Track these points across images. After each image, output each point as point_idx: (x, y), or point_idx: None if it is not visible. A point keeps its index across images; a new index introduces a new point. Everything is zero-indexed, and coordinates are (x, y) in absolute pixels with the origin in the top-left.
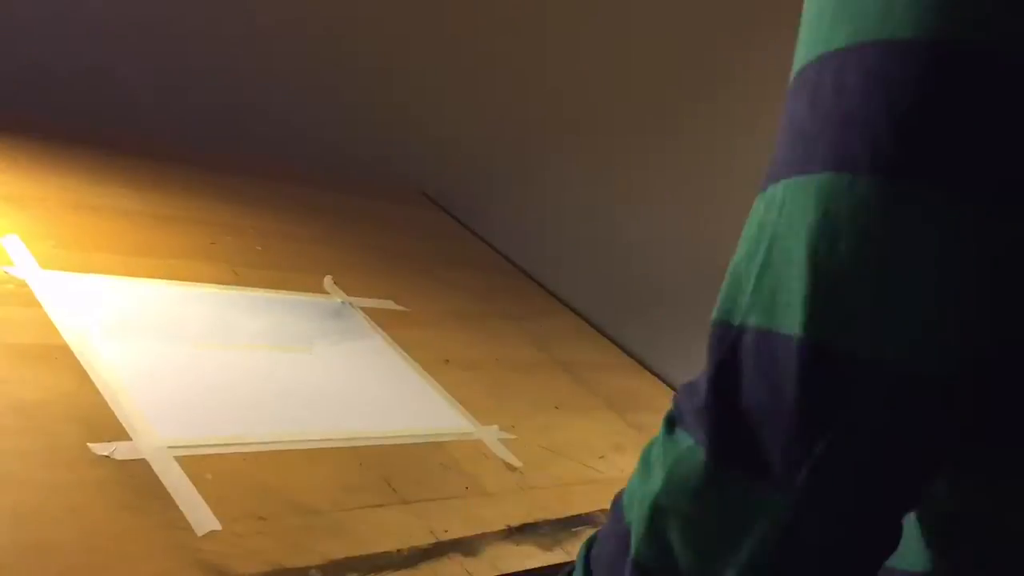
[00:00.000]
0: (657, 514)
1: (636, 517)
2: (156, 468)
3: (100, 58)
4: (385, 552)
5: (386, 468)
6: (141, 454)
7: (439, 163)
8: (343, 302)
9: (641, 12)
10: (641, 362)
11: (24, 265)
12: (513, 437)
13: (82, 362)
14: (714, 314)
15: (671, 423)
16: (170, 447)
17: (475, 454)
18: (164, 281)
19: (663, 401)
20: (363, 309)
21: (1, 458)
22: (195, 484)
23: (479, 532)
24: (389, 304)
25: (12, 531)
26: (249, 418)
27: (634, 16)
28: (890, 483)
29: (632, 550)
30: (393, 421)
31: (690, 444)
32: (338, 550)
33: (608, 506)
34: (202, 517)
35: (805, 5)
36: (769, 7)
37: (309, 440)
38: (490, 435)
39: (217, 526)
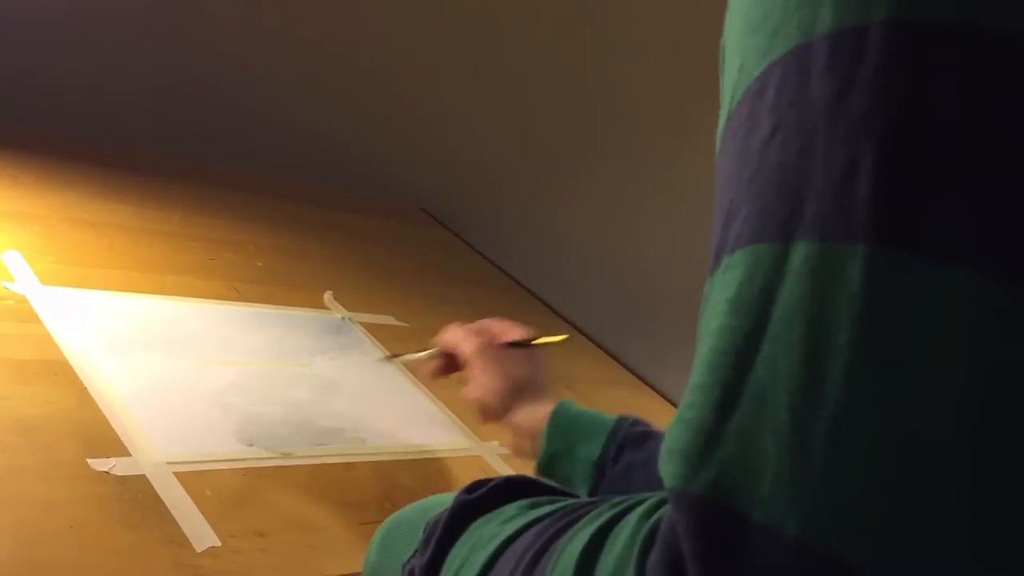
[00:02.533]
0: None
1: None
2: (155, 484)
3: (100, 73)
4: None
5: (386, 484)
6: (140, 470)
7: (439, 179)
8: (343, 318)
9: (645, 27)
10: (641, 378)
11: (24, 281)
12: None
13: (82, 378)
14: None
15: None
16: (169, 463)
17: (475, 470)
18: (164, 297)
19: (663, 417)
20: (363, 324)
21: (0, 474)
22: (194, 500)
23: None
24: (389, 319)
25: (11, 548)
26: (249, 434)
27: (638, 31)
28: None
29: None
30: (393, 437)
31: None
32: (338, 566)
33: None
34: (201, 533)
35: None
36: None
37: (309, 456)
38: (490, 451)
39: (216, 542)
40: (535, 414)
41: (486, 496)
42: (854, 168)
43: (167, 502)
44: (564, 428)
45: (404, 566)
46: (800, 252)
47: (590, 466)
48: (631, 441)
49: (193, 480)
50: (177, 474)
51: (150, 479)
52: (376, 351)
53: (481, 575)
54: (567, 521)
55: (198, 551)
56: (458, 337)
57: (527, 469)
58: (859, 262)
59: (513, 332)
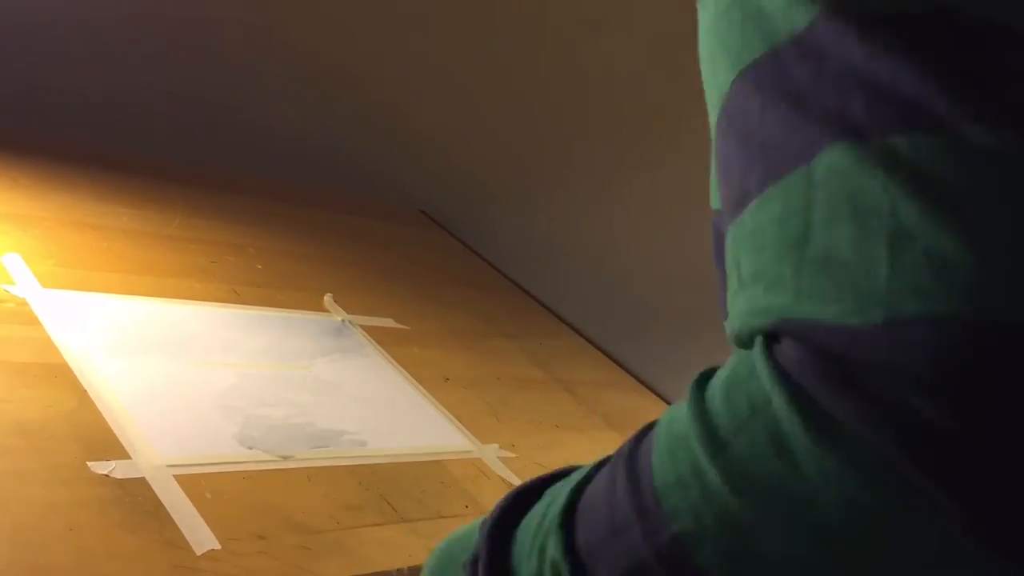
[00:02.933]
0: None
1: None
2: (155, 487)
3: (100, 76)
4: (385, 572)
5: (386, 487)
6: (140, 472)
7: (438, 182)
8: (343, 320)
9: (642, 34)
10: (641, 380)
11: (25, 284)
12: (513, 455)
13: (82, 381)
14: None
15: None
16: (169, 465)
17: (475, 472)
18: (164, 300)
19: None
20: (363, 327)
21: None
22: (194, 503)
23: None
24: (389, 322)
25: (10, 551)
26: (249, 437)
27: (635, 37)
28: None
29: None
30: (393, 439)
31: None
32: (338, 569)
33: None
34: (201, 536)
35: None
36: None
37: (309, 458)
38: (490, 453)
39: (216, 545)
40: None
41: (520, 495)
42: (847, 103)
43: (167, 505)
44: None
45: None
46: (822, 161)
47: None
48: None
49: (193, 483)
50: (177, 477)
51: (150, 482)
52: (377, 354)
53: (565, 513)
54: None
55: (198, 554)
56: None
57: (529, 472)
58: (854, 151)
59: None
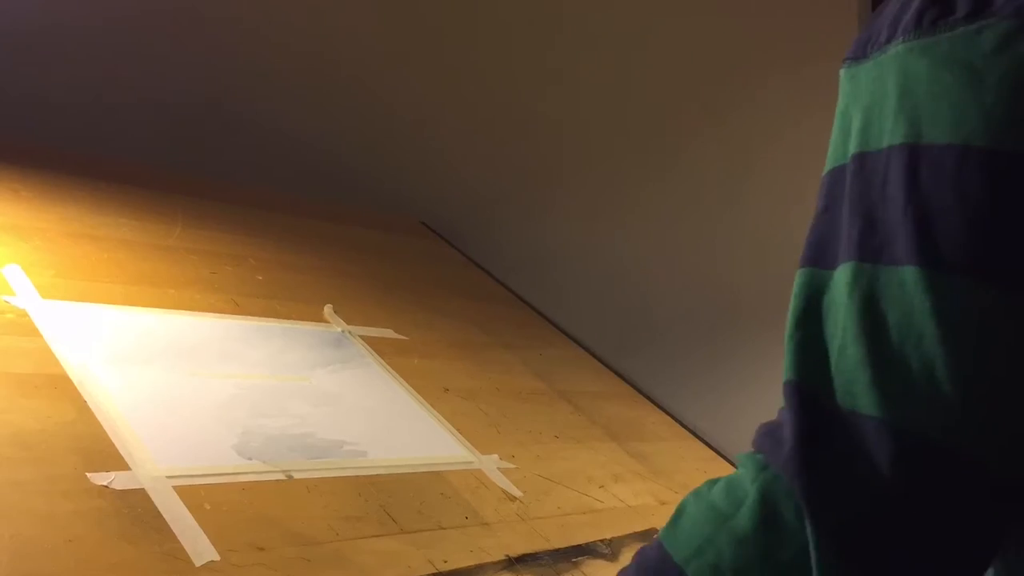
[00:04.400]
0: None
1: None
2: (155, 498)
3: (101, 87)
4: None
5: (386, 498)
6: (140, 484)
7: (439, 193)
8: (343, 331)
9: (643, 45)
10: (641, 391)
11: (25, 295)
12: (513, 466)
13: (82, 392)
14: (792, 378)
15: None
16: (169, 477)
17: (475, 484)
18: (164, 311)
19: (663, 430)
20: (363, 338)
21: None
22: (194, 514)
23: (479, 562)
24: (389, 333)
25: (10, 562)
26: (248, 448)
27: (636, 48)
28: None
29: None
30: (392, 450)
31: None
32: None
33: (608, 536)
34: (200, 547)
35: (850, 97)
36: (767, 48)
37: (308, 470)
38: (490, 464)
39: (216, 556)
40: None
41: None
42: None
43: (166, 516)
44: None
45: None
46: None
47: None
48: None
49: (192, 494)
50: (176, 488)
51: (149, 493)
52: (376, 365)
53: None
54: None
55: (197, 565)
56: None
57: (529, 483)
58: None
59: None
